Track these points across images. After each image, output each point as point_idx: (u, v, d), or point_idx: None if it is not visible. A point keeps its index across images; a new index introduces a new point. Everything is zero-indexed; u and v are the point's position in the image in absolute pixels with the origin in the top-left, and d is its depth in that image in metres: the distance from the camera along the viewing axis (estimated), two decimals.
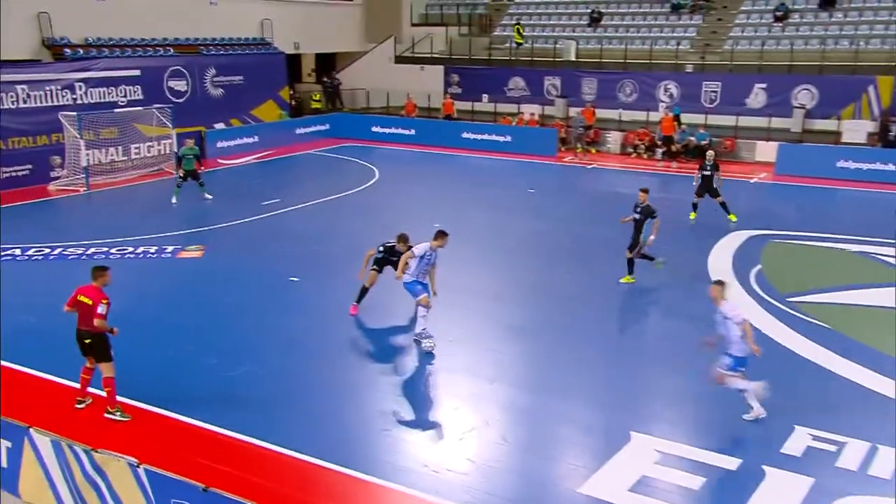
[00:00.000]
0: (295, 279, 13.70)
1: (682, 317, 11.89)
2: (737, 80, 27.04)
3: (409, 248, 10.97)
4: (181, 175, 19.81)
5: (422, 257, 10.71)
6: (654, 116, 27.55)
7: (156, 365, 10.17)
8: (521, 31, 32.38)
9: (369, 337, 11.50)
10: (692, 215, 18.14)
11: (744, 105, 26.71)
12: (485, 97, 31.54)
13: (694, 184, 18.21)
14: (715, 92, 27.42)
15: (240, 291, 13.15)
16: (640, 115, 28.24)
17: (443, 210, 18.73)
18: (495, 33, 34.27)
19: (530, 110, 30.01)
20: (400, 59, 34.84)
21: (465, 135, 29.06)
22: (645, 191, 13.47)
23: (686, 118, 27.01)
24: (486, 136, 28.70)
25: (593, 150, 27.77)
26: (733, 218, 17.63)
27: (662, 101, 28.11)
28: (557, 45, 31.36)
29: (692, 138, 26.10)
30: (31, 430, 7.05)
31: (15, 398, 9.12)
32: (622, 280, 13.52)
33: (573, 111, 28.90)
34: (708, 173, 17.83)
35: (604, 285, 13.53)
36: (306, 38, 33.34)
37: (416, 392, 9.77)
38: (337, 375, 9.99)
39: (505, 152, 27.75)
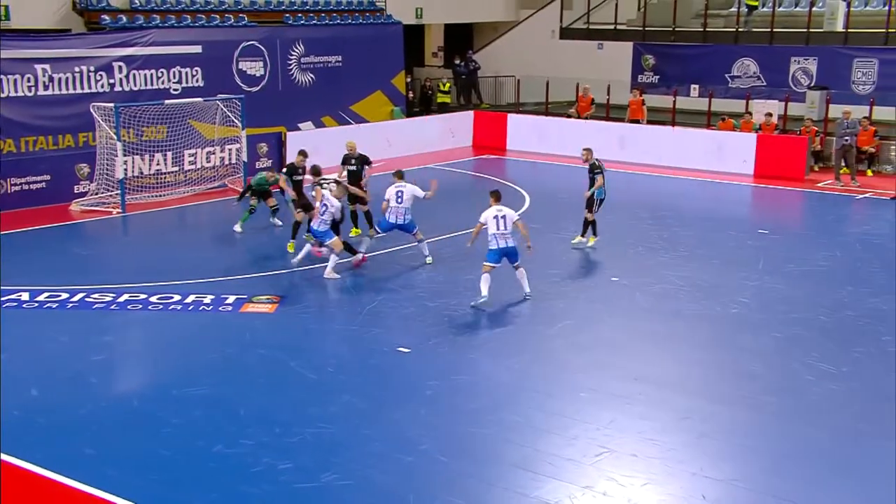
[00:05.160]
0: (405, 350, 13.87)
1: None
2: None
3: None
4: (252, 197, 20.55)
5: None
6: None
7: (204, 464, 10.42)
8: None
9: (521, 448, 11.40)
10: None
11: None
12: (694, 89, 31.23)
13: None
14: None
15: (325, 365, 13.39)
16: None
17: (622, 256, 18.50)
18: None
19: (766, 109, 29.30)
20: (568, 33, 35.10)
21: None
22: None
23: None
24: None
25: (868, 172, 26.96)
26: None
27: None
28: (816, 8, 30.82)
29: None
30: None
31: None
32: None
33: (837, 110, 27.75)
34: None
35: (875, 391, 12.83)
36: (433, 2, 34.27)
37: None
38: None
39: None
